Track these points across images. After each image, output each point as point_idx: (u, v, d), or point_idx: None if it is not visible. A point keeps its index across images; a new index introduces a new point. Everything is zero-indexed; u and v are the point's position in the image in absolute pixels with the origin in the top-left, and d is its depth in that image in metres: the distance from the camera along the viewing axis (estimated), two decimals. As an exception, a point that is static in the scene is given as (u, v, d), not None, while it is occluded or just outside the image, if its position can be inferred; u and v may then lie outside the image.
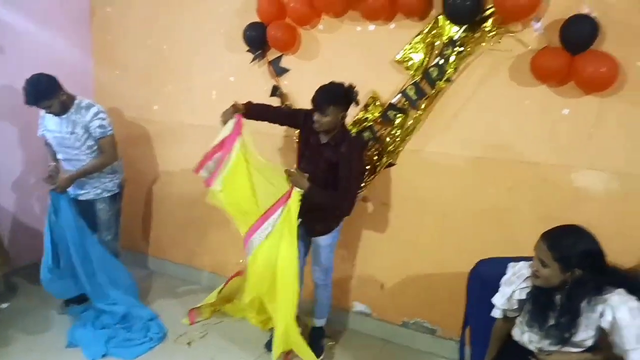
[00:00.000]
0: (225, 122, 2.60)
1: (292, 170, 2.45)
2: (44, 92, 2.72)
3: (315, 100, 2.40)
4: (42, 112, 2.91)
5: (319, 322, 2.90)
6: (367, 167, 2.85)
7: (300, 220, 2.52)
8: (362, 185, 2.84)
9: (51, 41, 3.55)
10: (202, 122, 3.36)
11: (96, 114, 2.89)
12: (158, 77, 3.60)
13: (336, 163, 2.45)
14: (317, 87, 2.42)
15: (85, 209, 3.00)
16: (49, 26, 3.53)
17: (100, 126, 2.89)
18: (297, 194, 2.42)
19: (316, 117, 2.41)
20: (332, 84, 2.42)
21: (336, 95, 2.38)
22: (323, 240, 2.67)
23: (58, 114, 2.84)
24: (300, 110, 2.64)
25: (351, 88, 2.42)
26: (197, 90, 3.44)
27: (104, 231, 3.11)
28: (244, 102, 2.66)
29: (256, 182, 2.65)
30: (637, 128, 2.20)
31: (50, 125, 2.93)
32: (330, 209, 2.60)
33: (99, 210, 3.07)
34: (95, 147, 2.96)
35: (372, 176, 2.87)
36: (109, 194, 3.06)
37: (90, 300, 3.08)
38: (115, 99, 3.76)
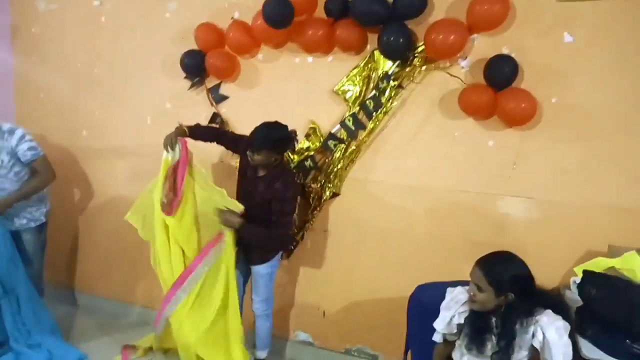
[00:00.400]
0: (169, 145, 2.52)
1: (222, 209, 2.43)
2: None
3: (252, 136, 2.41)
4: None
5: (261, 354, 2.85)
6: (312, 199, 2.87)
7: (238, 247, 2.55)
8: (292, 219, 2.71)
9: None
10: (135, 150, 3.25)
11: (22, 137, 2.72)
12: (87, 102, 3.44)
13: (270, 199, 2.45)
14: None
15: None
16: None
17: (30, 148, 2.73)
18: (230, 234, 2.45)
19: (249, 152, 2.43)
20: (276, 125, 2.41)
21: (273, 142, 2.38)
22: (261, 269, 2.65)
23: (-24, 141, 2.64)
24: (243, 137, 2.62)
25: (292, 136, 2.45)
26: (130, 116, 3.33)
27: (28, 264, 2.88)
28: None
29: (197, 222, 2.58)
30: (555, 158, 2.41)
31: (-33, 153, 2.70)
32: (264, 245, 2.62)
33: (24, 242, 2.86)
34: (23, 174, 2.78)
35: (318, 209, 2.88)
36: (35, 224, 2.87)
37: (7, 344, 2.80)
38: (40, 123, 3.54)
